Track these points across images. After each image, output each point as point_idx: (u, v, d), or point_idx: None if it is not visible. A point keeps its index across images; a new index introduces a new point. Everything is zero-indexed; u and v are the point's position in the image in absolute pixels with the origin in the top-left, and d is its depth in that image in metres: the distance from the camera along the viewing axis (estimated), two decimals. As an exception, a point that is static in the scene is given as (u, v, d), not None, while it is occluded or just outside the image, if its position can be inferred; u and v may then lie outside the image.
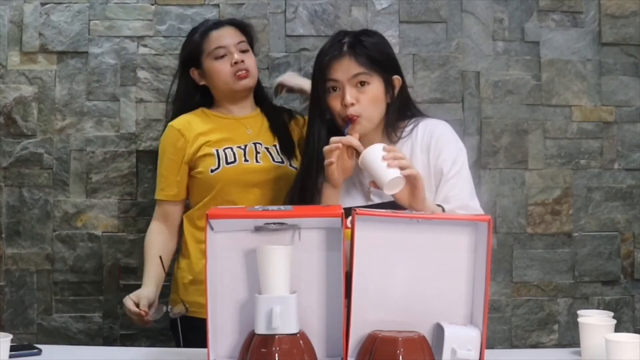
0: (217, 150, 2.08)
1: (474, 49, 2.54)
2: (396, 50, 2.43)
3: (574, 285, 2.57)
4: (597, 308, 2.46)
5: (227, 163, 2.07)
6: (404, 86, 1.86)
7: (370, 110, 1.77)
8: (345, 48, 1.77)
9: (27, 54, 2.48)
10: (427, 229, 1.47)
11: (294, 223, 1.47)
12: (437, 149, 1.80)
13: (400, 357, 1.36)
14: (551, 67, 2.56)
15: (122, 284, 2.45)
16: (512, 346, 2.51)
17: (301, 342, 1.40)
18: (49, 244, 2.48)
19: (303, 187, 1.82)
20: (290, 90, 2.35)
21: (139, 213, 2.47)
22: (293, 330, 1.40)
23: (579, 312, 1.72)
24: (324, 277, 1.48)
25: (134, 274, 2.44)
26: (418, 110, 1.91)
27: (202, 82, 2.18)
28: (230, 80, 2.12)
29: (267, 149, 2.14)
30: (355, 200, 1.80)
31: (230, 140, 2.11)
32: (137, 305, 1.92)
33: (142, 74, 2.49)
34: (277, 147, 2.15)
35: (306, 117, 2.24)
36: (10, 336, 1.52)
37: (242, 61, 2.11)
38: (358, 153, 1.69)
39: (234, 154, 2.09)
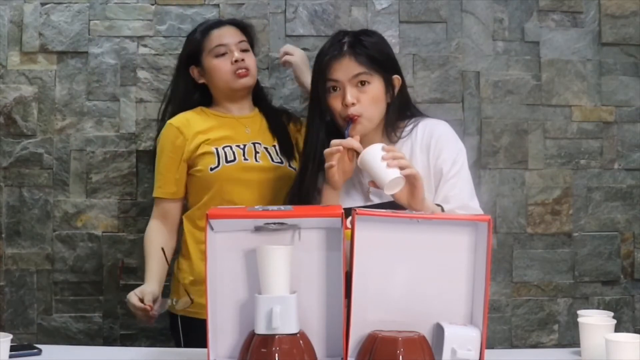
0: (216, 149, 2.08)
1: (474, 49, 2.54)
2: (396, 50, 2.43)
3: (574, 285, 2.57)
4: (597, 308, 2.46)
5: (227, 162, 2.07)
6: (403, 86, 1.86)
7: (370, 110, 1.77)
8: (345, 48, 1.77)
9: (27, 54, 2.48)
10: (427, 229, 1.47)
11: (294, 223, 1.47)
12: (436, 149, 1.80)
13: (400, 357, 1.37)
14: (551, 67, 2.56)
15: (122, 284, 2.45)
16: (512, 346, 2.51)
17: (301, 342, 1.40)
18: (49, 244, 2.48)
19: (302, 187, 1.82)
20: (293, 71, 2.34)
21: (139, 213, 2.47)
22: (293, 330, 1.40)
23: (579, 312, 1.72)
24: (324, 277, 1.48)
25: (134, 274, 2.44)
26: (418, 110, 1.91)
27: (201, 81, 2.18)
28: (230, 78, 2.12)
29: (266, 148, 2.14)
30: (354, 201, 1.80)
31: (229, 138, 2.11)
32: (142, 301, 1.91)
33: (142, 74, 2.49)
34: (277, 147, 2.16)
35: (303, 119, 2.25)
36: (10, 336, 1.52)
37: (243, 60, 2.12)
38: (358, 154, 1.69)
39: (233, 152, 2.09)
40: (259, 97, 2.27)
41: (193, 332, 2.07)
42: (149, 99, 2.49)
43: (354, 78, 1.76)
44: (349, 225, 1.44)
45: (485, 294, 1.43)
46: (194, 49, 2.16)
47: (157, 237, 2.11)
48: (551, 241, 2.56)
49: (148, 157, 2.44)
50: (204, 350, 1.44)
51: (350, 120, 1.75)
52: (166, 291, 2.13)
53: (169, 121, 2.14)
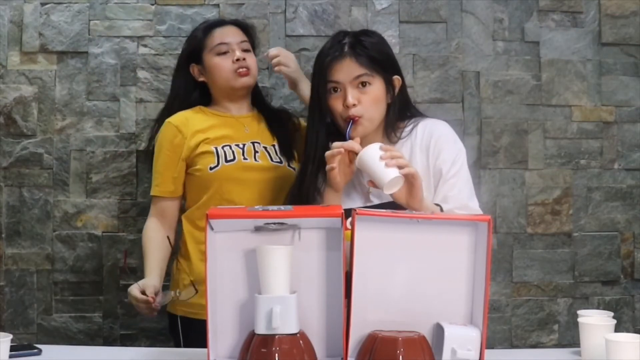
0: (216, 148, 2.08)
1: (474, 49, 2.54)
2: (396, 50, 2.43)
3: (574, 285, 2.57)
4: (597, 308, 2.46)
5: (227, 161, 2.07)
6: (403, 86, 1.86)
7: (371, 111, 1.77)
8: (346, 49, 1.77)
9: (27, 54, 2.48)
10: (427, 229, 1.47)
11: (294, 223, 1.47)
12: (436, 149, 1.80)
13: (400, 357, 1.36)
14: (551, 67, 2.56)
15: (122, 284, 2.45)
16: (512, 346, 2.51)
17: (301, 342, 1.40)
18: (49, 244, 2.48)
19: (302, 188, 1.82)
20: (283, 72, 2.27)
21: (139, 213, 2.47)
22: (293, 330, 1.40)
23: (579, 312, 1.72)
24: (324, 277, 1.48)
25: (134, 274, 2.43)
26: (417, 111, 1.91)
27: (201, 79, 2.18)
28: (231, 77, 2.12)
29: (265, 148, 2.14)
30: (354, 201, 1.80)
31: (228, 138, 2.11)
32: (143, 294, 1.90)
33: (142, 74, 2.49)
34: (276, 147, 2.15)
35: (301, 119, 2.25)
36: (10, 336, 1.52)
37: (244, 59, 2.12)
38: None
39: (232, 152, 2.09)
40: (257, 98, 2.27)
41: (192, 332, 2.07)
42: (149, 99, 2.49)
43: (355, 79, 1.76)
44: (349, 226, 1.44)
45: (485, 294, 1.43)
46: (195, 47, 2.17)
47: (156, 236, 2.10)
48: (551, 241, 2.56)
49: (148, 157, 2.44)
50: (204, 350, 1.44)
51: (351, 121, 1.75)
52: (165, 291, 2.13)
53: (167, 120, 2.13)
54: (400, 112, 1.85)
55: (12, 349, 1.56)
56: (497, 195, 2.53)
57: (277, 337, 1.38)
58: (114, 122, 2.49)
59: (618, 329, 1.60)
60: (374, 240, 1.45)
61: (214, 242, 1.46)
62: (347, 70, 1.76)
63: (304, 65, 2.46)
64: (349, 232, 1.43)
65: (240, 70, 2.11)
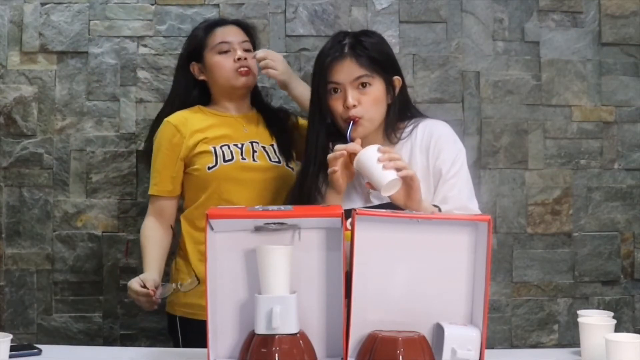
0: (214, 148, 2.08)
1: (474, 49, 2.54)
2: (396, 50, 2.43)
3: (574, 285, 2.57)
4: (597, 308, 2.46)
5: (225, 161, 2.07)
6: (404, 87, 1.86)
7: (372, 112, 1.77)
8: (346, 49, 1.77)
9: (27, 54, 2.48)
10: (427, 229, 1.47)
11: (294, 223, 1.47)
12: (436, 149, 1.79)
13: (400, 357, 1.36)
14: (551, 67, 2.56)
15: (122, 284, 2.45)
16: (512, 346, 2.51)
17: (301, 342, 1.40)
18: (49, 244, 2.48)
19: (303, 189, 1.82)
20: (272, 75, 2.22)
21: (139, 213, 2.47)
22: (293, 330, 1.40)
23: (579, 312, 1.72)
24: (324, 277, 1.48)
25: (134, 274, 2.42)
26: (418, 111, 1.91)
27: (201, 77, 2.18)
28: (232, 76, 2.12)
29: (264, 148, 2.14)
30: (354, 202, 1.80)
31: (227, 137, 2.11)
32: (144, 287, 1.90)
33: (142, 74, 2.49)
34: (275, 147, 2.15)
35: (300, 118, 2.25)
36: (10, 336, 1.52)
37: (245, 58, 2.12)
38: None
39: (231, 151, 2.08)
40: (257, 98, 2.27)
41: (191, 333, 2.07)
42: (149, 99, 2.49)
43: (355, 80, 1.76)
44: (349, 226, 1.43)
45: (485, 294, 1.43)
46: (196, 45, 2.17)
47: (154, 235, 2.11)
48: (551, 241, 2.56)
49: (148, 157, 2.44)
50: (204, 350, 1.44)
51: (352, 122, 1.75)
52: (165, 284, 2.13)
53: (166, 119, 2.13)
54: (401, 113, 1.85)
55: (12, 349, 1.56)
56: (497, 195, 2.53)
57: (277, 337, 1.38)
58: (114, 122, 2.49)
59: (618, 329, 1.60)
60: (374, 240, 1.45)
61: (214, 242, 1.46)
62: (347, 71, 1.76)
63: (304, 65, 2.47)
64: (349, 232, 1.43)
65: (241, 69, 2.11)
